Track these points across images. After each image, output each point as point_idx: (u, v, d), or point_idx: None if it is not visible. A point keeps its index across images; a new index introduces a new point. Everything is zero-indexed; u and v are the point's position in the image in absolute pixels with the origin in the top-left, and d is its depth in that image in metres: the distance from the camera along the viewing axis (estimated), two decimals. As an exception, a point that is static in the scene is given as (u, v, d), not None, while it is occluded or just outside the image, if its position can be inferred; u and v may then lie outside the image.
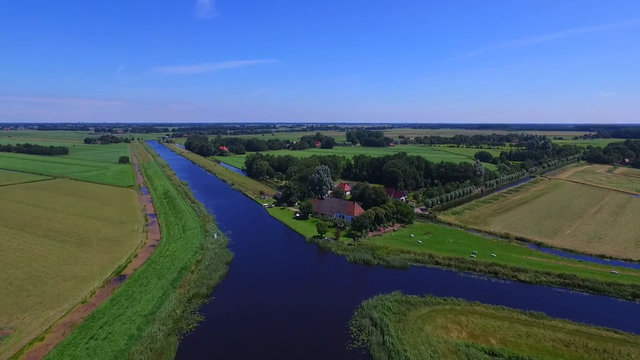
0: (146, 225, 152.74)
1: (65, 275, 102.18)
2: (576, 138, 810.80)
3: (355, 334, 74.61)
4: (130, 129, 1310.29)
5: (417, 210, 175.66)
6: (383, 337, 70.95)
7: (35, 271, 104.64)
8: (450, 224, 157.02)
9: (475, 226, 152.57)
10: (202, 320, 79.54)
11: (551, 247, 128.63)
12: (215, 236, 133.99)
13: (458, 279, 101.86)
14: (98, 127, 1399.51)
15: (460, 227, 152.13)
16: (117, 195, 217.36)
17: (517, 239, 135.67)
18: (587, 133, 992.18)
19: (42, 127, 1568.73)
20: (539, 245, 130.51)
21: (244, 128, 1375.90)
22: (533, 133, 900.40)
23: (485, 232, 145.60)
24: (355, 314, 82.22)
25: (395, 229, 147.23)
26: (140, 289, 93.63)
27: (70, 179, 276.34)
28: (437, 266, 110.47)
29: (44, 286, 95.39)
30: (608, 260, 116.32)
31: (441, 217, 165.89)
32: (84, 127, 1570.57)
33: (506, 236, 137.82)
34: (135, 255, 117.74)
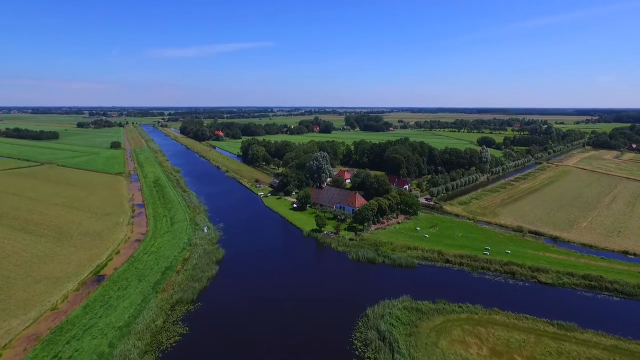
0: (132, 217, 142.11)
1: (36, 276, 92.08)
2: (578, 123, 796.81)
3: (360, 349, 64.97)
4: (126, 112, 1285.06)
5: (422, 199, 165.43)
6: (393, 356, 61.41)
7: (4, 271, 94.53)
8: (457, 215, 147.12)
9: (484, 218, 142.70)
10: (184, 332, 69.64)
11: (568, 241, 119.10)
12: (206, 230, 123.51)
13: (472, 281, 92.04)
14: (93, 111, 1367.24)
15: (469, 218, 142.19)
16: (105, 183, 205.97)
17: (530, 232, 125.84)
18: (589, 118, 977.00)
19: (36, 110, 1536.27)
20: (555, 239, 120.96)
21: (241, 112, 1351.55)
22: (534, 117, 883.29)
23: (496, 224, 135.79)
24: (360, 324, 72.49)
25: (400, 221, 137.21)
26: (118, 293, 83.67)
27: (58, 165, 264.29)
28: (447, 265, 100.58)
29: (11, 289, 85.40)
30: (632, 257, 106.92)
31: (447, 207, 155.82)
32: (78, 110, 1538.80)
33: (519, 229, 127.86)
34: (117, 252, 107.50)
